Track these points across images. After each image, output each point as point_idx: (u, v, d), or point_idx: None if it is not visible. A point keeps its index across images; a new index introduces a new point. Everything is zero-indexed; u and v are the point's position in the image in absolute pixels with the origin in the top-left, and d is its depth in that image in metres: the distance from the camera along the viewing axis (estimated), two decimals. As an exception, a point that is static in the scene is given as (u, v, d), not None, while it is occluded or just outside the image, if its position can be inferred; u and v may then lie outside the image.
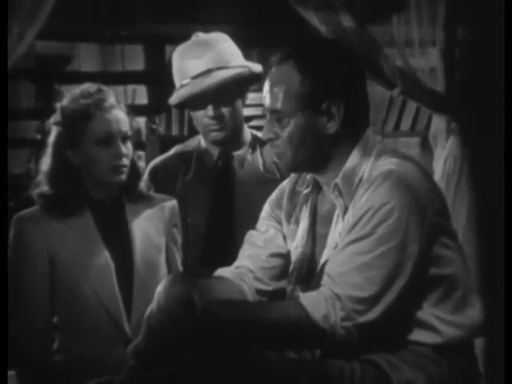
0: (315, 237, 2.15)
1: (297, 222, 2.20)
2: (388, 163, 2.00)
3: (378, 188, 1.95)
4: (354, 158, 2.05)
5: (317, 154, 2.06)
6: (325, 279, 1.95)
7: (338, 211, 2.07)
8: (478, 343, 2.05)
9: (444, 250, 1.98)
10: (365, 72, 2.15)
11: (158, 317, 1.91)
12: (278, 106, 2.04)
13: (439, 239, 1.97)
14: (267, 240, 2.24)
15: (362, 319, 1.89)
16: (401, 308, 1.93)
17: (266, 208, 2.29)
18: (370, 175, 2.01)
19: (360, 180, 2.03)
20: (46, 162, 2.57)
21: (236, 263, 2.25)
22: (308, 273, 2.14)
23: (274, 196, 2.29)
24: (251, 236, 2.28)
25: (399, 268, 1.91)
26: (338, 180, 2.05)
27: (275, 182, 2.39)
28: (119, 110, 2.55)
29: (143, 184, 2.74)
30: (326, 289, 1.91)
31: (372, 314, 1.90)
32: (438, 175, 3.24)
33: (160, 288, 1.96)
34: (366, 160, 2.04)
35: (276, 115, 2.06)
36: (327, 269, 1.97)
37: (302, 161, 2.07)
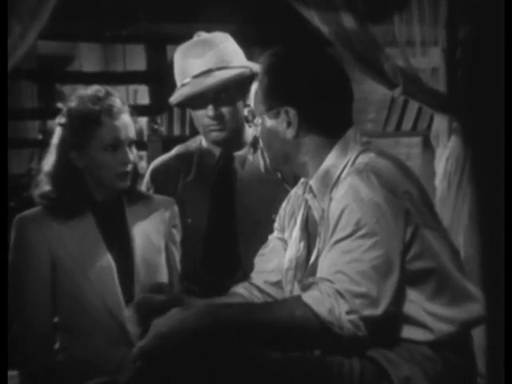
0: (309, 237, 2.16)
1: (294, 224, 2.22)
2: (362, 159, 2.03)
3: (351, 184, 1.97)
4: (329, 160, 2.08)
5: (285, 156, 2.12)
6: (321, 282, 1.95)
7: (318, 213, 2.09)
8: (479, 342, 2.04)
9: (429, 242, 1.99)
10: (342, 75, 2.14)
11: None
12: (252, 106, 2.15)
13: (423, 231, 1.98)
14: (269, 252, 2.30)
15: (368, 313, 1.90)
16: (396, 303, 1.94)
17: (277, 217, 2.33)
18: (346, 173, 2.04)
19: (336, 181, 2.05)
20: (48, 163, 2.56)
21: (248, 278, 2.32)
22: (303, 272, 2.15)
23: (283, 203, 2.33)
24: (261, 249, 2.34)
25: (390, 261, 1.93)
26: (311, 182, 2.09)
27: (276, 183, 2.39)
28: (126, 115, 2.54)
29: (144, 184, 2.74)
30: (326, 287, 1.92)
31: (378, 310, 1.90)
32: (439, 175, 3.24)
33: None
34: (342, 161, 2.06)
35: (251, 116, 2.16)
36: (320, 273, 1.98)
37: (275, 161, 2.15)
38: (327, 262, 1.96)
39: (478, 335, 2.03)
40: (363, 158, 2.03)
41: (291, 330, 1.92)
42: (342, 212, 1.95)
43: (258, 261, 2.33)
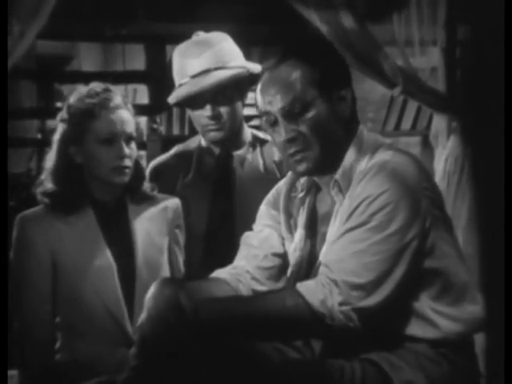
0: (315, 238, 2.15)
1: (295, 226, 2.20)
2: (382, 155, 2.03)
3: (373, 178, 1.96)
4: (350, 155, 2.07)
5: (335, 143, 2.06)
6: (321, 269, 1.95)
7: (337, 208, 2.07)
8: (479, 343, 2.04)
9: (440, 241, 1.99)
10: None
11: (150, 324, 1.91)
12: (297, 94, 2.03)
13: (435, 230, 1.98)
14: (262, 240, 2.24)
15: (361, 304, 1.89)
16: (399, 299, 1.93)
17: (263, 208, 2.29)
18: (365, 168, 2.03)
19: (357, 176, 2.04)
20: (50, 159, 2.57)
21: (233, 264, 2.25)
22: (307, 274, 2.13)
23: (270, 196, 2.29)
24: (247, 237, 2.28)
25: (397, 257, 1.92)
26: (337, 176, 2.06)
27: (275, 182, 2.38)
28: (125, 111, 2.54)
29: (147, 184, 2.74)
30: (323, 276, 1.92)
31: (372, 300, 1.90)
32: (438, 175, 3.24)
33: (149, 294, 1.96)
34: (362, 156, 2.06)
35: (291, 110, 2.04)
36: (324, 260, 1.98)
37: (326, 153, 2.05)
38: (334, 249, 1.97)
39: (478, 336, 2.03)
40: (383, 155, 2.03)
41: (284, 318, 1.91)
42: (360, 202, 1.95)
43: (249, 248, 2.24)
